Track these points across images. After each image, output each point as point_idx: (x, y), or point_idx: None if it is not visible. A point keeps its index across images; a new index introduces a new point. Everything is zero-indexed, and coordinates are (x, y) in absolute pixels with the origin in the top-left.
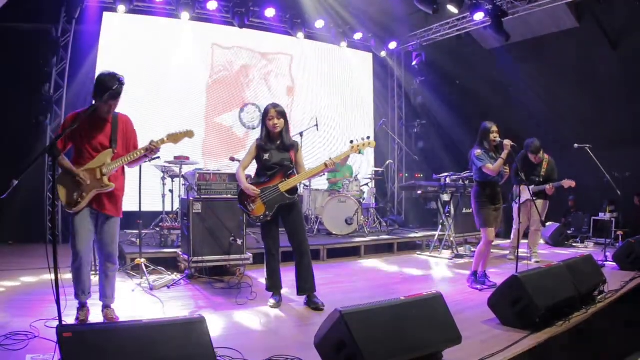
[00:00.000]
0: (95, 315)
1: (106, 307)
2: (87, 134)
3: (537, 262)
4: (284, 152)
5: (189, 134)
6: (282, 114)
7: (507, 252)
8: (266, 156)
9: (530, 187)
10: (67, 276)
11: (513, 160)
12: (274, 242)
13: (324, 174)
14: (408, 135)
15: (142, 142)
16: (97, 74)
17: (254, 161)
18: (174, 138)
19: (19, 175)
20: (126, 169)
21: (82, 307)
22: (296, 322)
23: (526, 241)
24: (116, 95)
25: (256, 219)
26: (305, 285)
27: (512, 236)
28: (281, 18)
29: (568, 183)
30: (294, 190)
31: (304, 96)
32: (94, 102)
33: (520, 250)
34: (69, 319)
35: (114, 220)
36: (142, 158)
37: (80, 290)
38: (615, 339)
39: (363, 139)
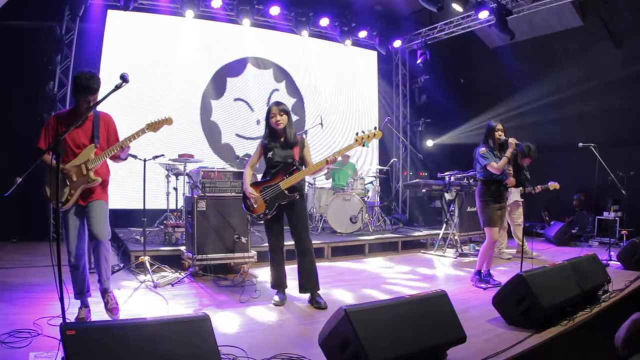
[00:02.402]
0: (97, 315)
1: (105, 291)
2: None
3: (508, 258)
4: (287, 150)
5: (168, 121)
6: (284, 112)
7: (510, 250)
8: (270, 154)
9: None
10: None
11: (517, 159)
12: (277, 240)
13: (327, 170)
14: (412, 134)
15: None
16: (101, 71)
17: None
18: (154, 127)
19: (23, 173)
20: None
21: (83, 306)
22: (300, 320)
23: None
24: (93, 92)
25: (257, 217)
26: (307, 284)
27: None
28: (286, 16)
29: (553, 185)
30: (294, 188)
31: (309, 94)
32: (75, 100)
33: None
34: (73, 316)
35: (101, 204)
36: (121, 153)
37: (78, 289)
38: None
39: (370, 130)
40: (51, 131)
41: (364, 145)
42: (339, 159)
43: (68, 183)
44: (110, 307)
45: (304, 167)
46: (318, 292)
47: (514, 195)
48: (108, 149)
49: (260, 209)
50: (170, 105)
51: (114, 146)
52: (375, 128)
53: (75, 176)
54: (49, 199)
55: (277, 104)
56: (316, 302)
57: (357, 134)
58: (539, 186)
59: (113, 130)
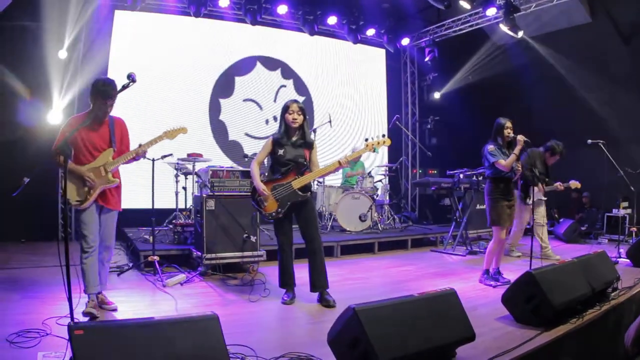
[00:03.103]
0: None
1: (99, 292)
2: (86, 135)
3: (518, 256)
4: (298, 149)
5: (183, 130)
6: (302, 110)
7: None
8: (281, 152)
9: (543, 187)
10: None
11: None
12: (286, 239)
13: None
14: (421, 131)
15: (150, 137)
16: (109, 71)
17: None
18: (170, 134)
19: (31, 173)
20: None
21: (91, 300)
22: (309, 319)
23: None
24: (109, 97)
25: (268, 215)
26: (318, 282)
27: (510, 234)
28: (293, 15)
29: (575, 184)
30: (306, 188)
31: (317, 93)
32: (91, 105)
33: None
34: (81, 316)
35: (115, 214)
36: (132, 159)
37: (94, 282)
38: None
39: (378, 137)
40: (68, 134)
41: (374, 151)
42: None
43: (87, 184)
44: (106, 302)
45: (309, 168)
46: (327, 290)
47: (538, 194)
48: (125, 153)
49: (272, 208)
50: (179, 105)
51: (131, 151)
52: (384, 135)
53: (95, 177)
54: (70, 200)
55: (296, 101)
56: (325, 300)
57: (366, 139)
58: (559, 183)
59: (126, 135)
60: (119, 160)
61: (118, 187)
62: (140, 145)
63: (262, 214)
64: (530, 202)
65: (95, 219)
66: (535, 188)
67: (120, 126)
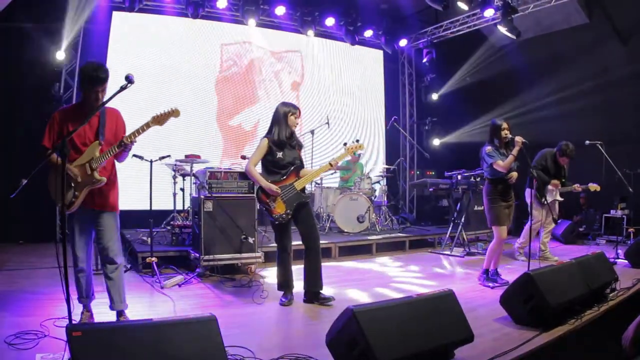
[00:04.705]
0: (100, 316)
1: (119, 314)
2: (74, 128)
3: (556, 260)
4: (294, 151)
5: (175, 113)
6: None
7: (516, 249)
8: (280, 154)
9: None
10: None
11: (524, 157)
12: (288, 241)
13: (336, 172)
14: (419, 133)
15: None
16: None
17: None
18: (159, 119)
19: (29, 174)
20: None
21: (85, 310)
22: (307, 320)
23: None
24: (101, 81)
25: (277, 217)
26: (316, 282)
27: (522, 234)
28: (291, 16)
29: (594, 187)
30: (305, 189)
31: (315, 94)
32: (82, 93)
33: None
34: (78, 318)
35: (110, 216)
36: (123, 152)
37: (83, 293)
38: None
39: (353, 142)
40: (56, 128)
41: (354, 154)
42: (340, 163)
43: (72, 184)
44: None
45: None
46: (321, 290)
47: (551, 194)
48: (113, 146)
49: (280, 209)
50: (176, 106)
51: (110, 148)
52: (357, 140)
53: (80, 177)
54: (55, 201)
55: (297, 106)
56: (324, 299)
57: (344, 144)
58: (577, 185)
59: (122, 125)
60: (106, 154)
61: (110, 185)
62: (123, 138)
63: (270, 216)
64: (545, 201)
65: (82, 226)
66: (552, 189)
67: (114, 117)
